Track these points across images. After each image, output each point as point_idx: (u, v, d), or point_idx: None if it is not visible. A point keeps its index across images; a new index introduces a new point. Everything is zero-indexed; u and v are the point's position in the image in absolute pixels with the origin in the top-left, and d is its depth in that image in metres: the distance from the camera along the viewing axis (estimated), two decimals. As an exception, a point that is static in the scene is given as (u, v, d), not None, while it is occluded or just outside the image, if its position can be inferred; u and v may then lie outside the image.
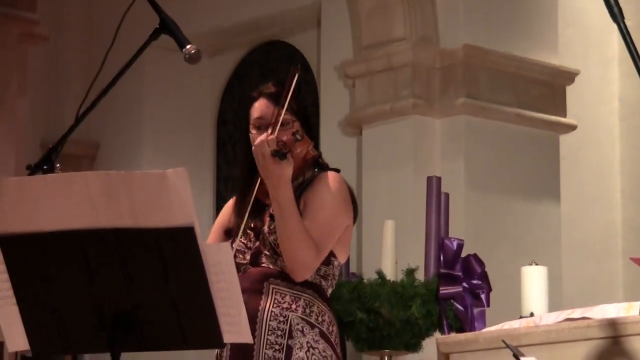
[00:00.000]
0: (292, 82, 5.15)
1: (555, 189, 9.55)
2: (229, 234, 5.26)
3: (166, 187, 4.33)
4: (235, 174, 5.44)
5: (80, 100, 4.96)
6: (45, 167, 4.91)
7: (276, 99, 5.20)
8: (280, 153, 4.92)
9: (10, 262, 4.44)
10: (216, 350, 5.21)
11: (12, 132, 7.66)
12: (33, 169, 4.92)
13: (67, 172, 4.73)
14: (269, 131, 5.08)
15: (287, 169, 4.99)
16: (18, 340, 4.57)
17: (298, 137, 5.07)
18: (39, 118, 8.77)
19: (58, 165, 4.91)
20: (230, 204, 5.36)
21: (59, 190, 4.47)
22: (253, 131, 5.20)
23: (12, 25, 7.64)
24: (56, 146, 4.97)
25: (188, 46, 5.01)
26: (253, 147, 5.05)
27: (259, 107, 5.24)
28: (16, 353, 5.25)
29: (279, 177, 4.99)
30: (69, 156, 4.95)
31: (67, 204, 4.38)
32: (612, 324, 5.47)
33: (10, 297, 4.50)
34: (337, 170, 5.30)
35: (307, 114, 5.31)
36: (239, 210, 5.24)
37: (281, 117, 5.11)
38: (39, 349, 4.63)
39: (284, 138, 5.03)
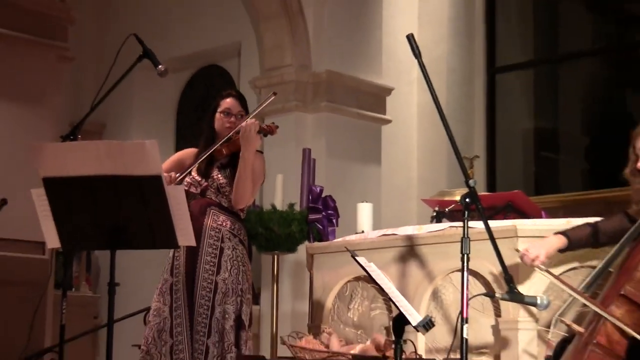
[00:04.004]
0: (266, 100, 5.35)
1: (378, 158, 9.57)
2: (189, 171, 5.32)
3: (144, 151, 4.33)
4: (188, 146, 5.49)
5: (93, 97, 4.93)
6: (71, 137, 4.89)
7: (238, 99, 5.31)
8: (265, 132, 5.10)
9: (49, 193, 4.42)
10: (172, 251, 5.21)
11: (52, 117, 7.57)
12: (64, 139, 4.90)
13: (84, 141, 4.72)
14: (234, 122, 5.28)
15: (259, 142, 5.17)
16: (54, 241, 4.54)
17: (275, 126, 5.31)
18: (69, 108, 8.70)
19: (79, 136, 4.88)
20: (189, 151, 5.39)
21: (79, 151, 4.44)
22: (221, 115, 5.28)
23: (51, 51, 7.53)
24: (78, 125, 4.95)
25: (160, 66, 5.02)
26: (245, 123, 5.16)
27: (229, 102, 5.35)
28: (52, 249, 5.20)
29: (253, 146, 5.12)
30: (86, 131, 4.92)
31: (83, 159, 4.36)
32: (409, 238, 5.52)
33: (49, 214, 4.47)
34: (261, 151, 5.38)
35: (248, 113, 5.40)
36: (198, 157, 5.30)
37: (243, 115, 5.26)
38: (66, 246, 4.61)
39: (265, 126, 5.25)
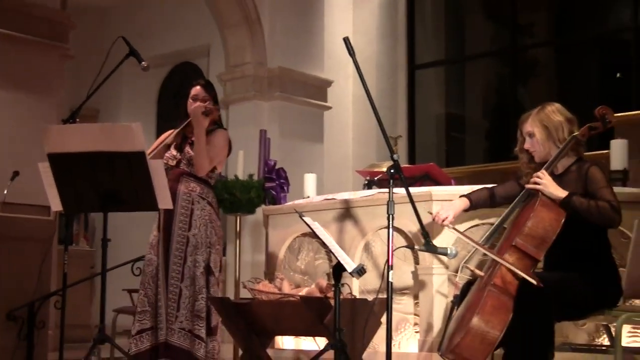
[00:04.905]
0: (215, 92, 5.30)
1: (321, 137, 9.57)
2: (167, 147, 5.25)
3: (131, 132, 4.30)
4: (167, 129, 5.46)
5: (88, 88, 4.88)
6: (71, 120, 4.82)
7: (204, 87, 5.24)
8: (206, 113, 5.00)
9: (53, 166, 4.38)
10: (156, 213, 5.15)
11: (56, 104, 7.47)
12: (65, 122, 4.83)
13: (82, 123, 4.67)
14: (201, 102, 5.16)
15: (206, 121, 5.07)
16: (57, 205, 4.50)
17: (218, 108, 5.21)
18: (69, 96, 8.58)
19: (77, 119, 4.82)
20: (170, 131, 5.33)
21: (78, 132, 4.40)
22: (190, 100, 5.21)
23: (55, 50, 7.41)
24: (77, 111, 4.88)
25: (143, 62, 4.96)
26: (192, 107, 5.12)
27: (195, 89, 5.26)
28: (56, 212, 5.14)
29: (201, 124, 5.04)
30: (83, 116, 4.88)
31: (82, 138, 4.32)
32: (346, 201, 5.53)
33: (53, 183, 4.43)
34: (225, 129, 5.32)
35: (217, 99, 5.32)
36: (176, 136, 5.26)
37: (208, 100, 5.19)
38: (67, 209, 4.58)
39: (210, 107, 5.12)
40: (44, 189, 4.51)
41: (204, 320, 4.99)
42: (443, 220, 4.40)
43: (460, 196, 4.55)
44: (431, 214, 4.50)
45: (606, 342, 4.70)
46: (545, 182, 4.05)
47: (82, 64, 10.18)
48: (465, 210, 4.54)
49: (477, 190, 4.57)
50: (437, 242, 4.77)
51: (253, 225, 8.54)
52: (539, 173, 4.10)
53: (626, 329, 4.89)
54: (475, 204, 4.52)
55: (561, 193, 4.02)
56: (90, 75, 5.16)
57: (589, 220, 3.99)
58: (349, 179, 10.04)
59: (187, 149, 5.18)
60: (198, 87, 5.27)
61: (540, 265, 4.14)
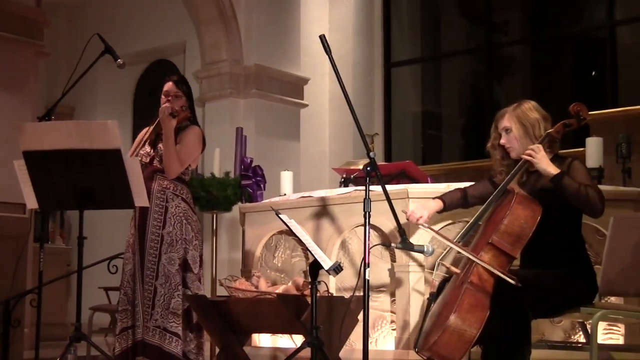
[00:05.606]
0: (188, 88, 5.27)
1: (297, 135, 9.57)
2: (143, 144, 5.23)
3: (107, 129, 4.28)
4: (143, 126, 5.43)
5: (64, 85, 4.85)
6: (46, 118, 4.79)
7: (176, 83, 5.20)
8: (173, 114, 4.96)
9: (28, 163, 4.35)
10: (132, 211, 5.11)
11: (30, 101, 7.41)
12: (40, 119, 4.80)
13: (58, 121, 4.64)
14: (170, 101, 5.13)
15: (173, 122, 5.01)
16: (33, 203, 4.47)
17: (184, 109, 5.14)
18: (44, 94, 8.53)
19: (53, 117, 4.79)
20: (146, 129, 5.29)
21: (53, 130, 4.38)
22: (162, 97, 5.18)
23: (30, 47, 7.35)
24: (52, 108, 4.86)
25: (119, 60, 4.94)
26: (160, 108, 5.08)
27: (167, 85, 5.23)
28: (31, 209, 5.11)
29: (168, 125, 4.99)
30: (58, 113, 4.89)
31: (57, 136, 4.31)
32: (323, 199, 5.52)
33: (28, 181, 4.41)
34: (199, 125, 5.28)
35: (191, 95, 5.27)
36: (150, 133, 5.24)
37: (180, 96, 5.17)
38: (43, 207, 4.57)
39: (177, 107, 5.08)
40: (19, 186, 4.48)
41: (181, 317, 4.96)
42: (417, 219, 4.39)
43: (434, 198, 4.54)
44: (405, 212, 4.49)
45: (582, 339, 4.72)
46: (540, 157, 4.06)
47: (57, 62, 10.13)
48: (439, 212, 4.53)
49: (450, 191, 4.56)
50: (414, 240, 4.77)
51: (230, 223, 8.52)
52: (534, 147, 4.09)
53: (602, 326, 4.91)
54: (449, 206, 4.51)
55: (553, 170, 4.02)
56: (66, 72, 5.13)
57: (574, 203, 3.98)
58: (326, 176, 10.03)
59: (161, 146, 5.15)
60: (170, 83, 5.24)
61: (517, 262, 4.15)
